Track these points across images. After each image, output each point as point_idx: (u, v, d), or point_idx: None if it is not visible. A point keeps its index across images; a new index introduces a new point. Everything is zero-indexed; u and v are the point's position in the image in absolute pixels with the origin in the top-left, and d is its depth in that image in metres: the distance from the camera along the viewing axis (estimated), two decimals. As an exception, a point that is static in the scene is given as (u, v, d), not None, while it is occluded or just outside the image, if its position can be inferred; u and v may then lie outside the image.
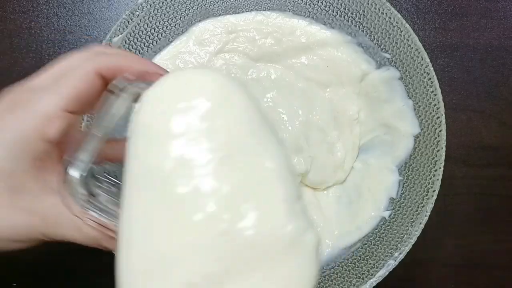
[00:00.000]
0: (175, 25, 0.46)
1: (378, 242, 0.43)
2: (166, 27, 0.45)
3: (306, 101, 0.46)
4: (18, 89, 0.28)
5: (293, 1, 0.46)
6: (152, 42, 0.45)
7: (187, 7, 0.45)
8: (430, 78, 0.42)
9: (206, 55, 0.46)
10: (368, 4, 0.43)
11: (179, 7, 0.45)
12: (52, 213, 0.28)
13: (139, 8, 0.43)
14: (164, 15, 0.45)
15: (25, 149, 0.27)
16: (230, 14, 0.47)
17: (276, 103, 0.46)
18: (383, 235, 0.43)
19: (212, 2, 0.46)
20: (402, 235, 0.42)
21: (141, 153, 0.25)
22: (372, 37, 0.45)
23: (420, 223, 0.41)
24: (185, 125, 0.24)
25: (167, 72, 0.30)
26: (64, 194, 0.27)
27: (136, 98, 0.27)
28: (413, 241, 0.41)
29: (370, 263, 0.43)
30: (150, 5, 0.43)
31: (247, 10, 0.47)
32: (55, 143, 0.28)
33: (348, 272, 0.43)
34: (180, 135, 0.24)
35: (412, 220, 0.42)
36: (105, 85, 0.28)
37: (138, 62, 0.29)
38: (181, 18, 0.46)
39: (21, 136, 0.27)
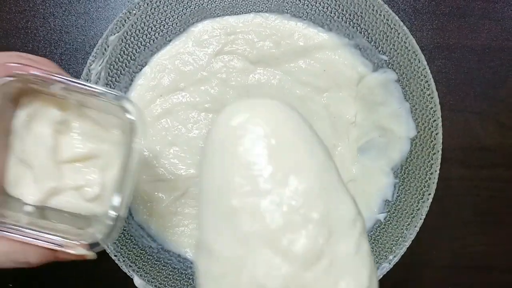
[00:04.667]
0: (172, 24, 0.46)
1: (373, 245, 0.43)
2: (163, 26, 0.45)
3: (304, 108, 0.46)
4: None
5: (291, 2, 0.46)
6: (149, 41, 0.45)
7: (184, 6, 0.45)
8: (427, 81, 0.42)
9: (205, 56, 0.46)
10: (366, 5, 0.43)
11: (176, 6, 0.45)
12: None
13: (136, 6, 0.43)
14: (161, 14, 0.45)
15: None
16: (228, 14, 0.46)
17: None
18: (378, 237, 0.43)
19: (209, 2, 0.45)
20: (397, 238, 0.42)
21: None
22: (369, 38, 0.45)
23: (415, 226, 0.41)
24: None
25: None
26: None
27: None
28: (408, 244, 0.41)
29: (365, 265, 0.43)
30: (147, 4, 0.43)
31: (245, 11, 0.46)
32: None
33: (344, 274, 0.43)
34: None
35: (408, 223, 0.42)
36: None
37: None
38: (178, 17, 0.46)
39: None
